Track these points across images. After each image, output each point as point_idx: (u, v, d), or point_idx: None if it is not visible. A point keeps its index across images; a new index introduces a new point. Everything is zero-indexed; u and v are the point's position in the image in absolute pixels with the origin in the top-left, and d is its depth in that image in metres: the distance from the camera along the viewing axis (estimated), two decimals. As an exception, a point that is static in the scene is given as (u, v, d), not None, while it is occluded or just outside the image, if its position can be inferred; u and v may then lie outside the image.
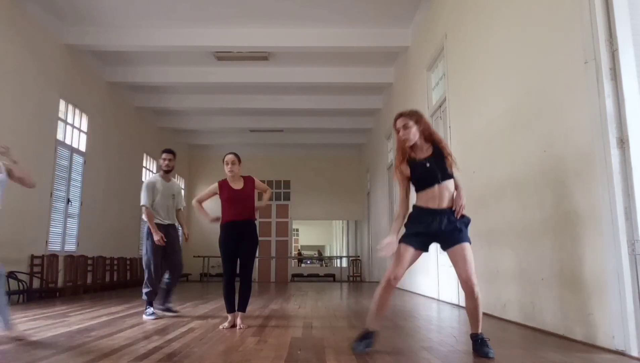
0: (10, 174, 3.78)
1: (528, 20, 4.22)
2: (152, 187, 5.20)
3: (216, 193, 4.44)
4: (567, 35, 3.57)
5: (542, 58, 3.96)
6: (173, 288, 5.32)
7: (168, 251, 5.19)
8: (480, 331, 3.05)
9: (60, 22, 8.20)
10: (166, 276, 5.26)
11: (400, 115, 3.17)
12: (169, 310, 5.20)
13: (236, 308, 4.31)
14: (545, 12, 3.91)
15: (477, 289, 2.99)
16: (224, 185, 4.41)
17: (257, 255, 4.58)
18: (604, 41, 3.19)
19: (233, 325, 4.23)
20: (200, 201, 4.50)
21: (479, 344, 3.00)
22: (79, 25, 8.34)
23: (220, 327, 4.20)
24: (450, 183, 3.07)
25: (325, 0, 7.59)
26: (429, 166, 3.06)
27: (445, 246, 3.09)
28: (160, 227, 5.15)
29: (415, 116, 3.14)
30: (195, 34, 8.41)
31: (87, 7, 7.78)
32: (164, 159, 5.34)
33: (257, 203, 4.57)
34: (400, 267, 3.02)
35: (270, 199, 4.80)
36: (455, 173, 3.14)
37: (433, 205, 3.04)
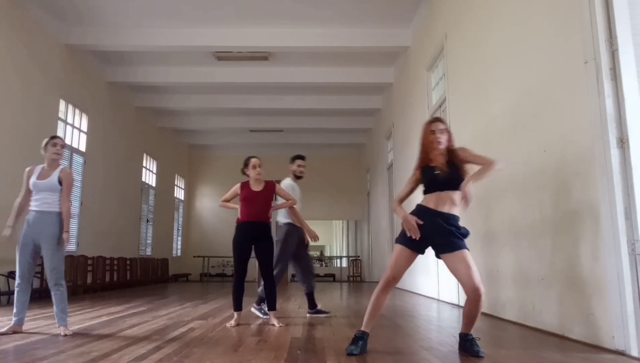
0: (60, 181, 4.01)
1: (528, 20, 4.22)
2: (292, 190, 5.24)
3: (238, 194, 4.58)
4: (567, 35, 3.57)
5: (542, 58, 3.97)
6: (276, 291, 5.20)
7: (302, 253, 5.23)
8: (471, 332, 3.05)
9: (60, 23, 8.20)
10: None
11: (439, 119, 3.24)
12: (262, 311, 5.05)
13: (267, 308, 4.48)
14: (545, 12, 3.92)
15: (481, 293, 2.93)
16: (245, 186, 4.57)
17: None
18: (604, 41, 3.19)
19: (239, 324, 4.33)
20: (226, 201, 4.70)
21: (469, 343, 3.00)
22: (79, 25, 8.34)
23: (227, 324, 4.29)
24: (455, 194, 3.04)
25: (325, 0, 7.59)
26: (437, 172, 3.09)
27: (441, 251, 3.05)
28: (297, 229, 5.22)
29: (446, 125, 3.25)
30: (195, 34, 8.41)
31: (87, 7, 7.78)
32: (299, 166, 5.38)
33: (274, 204, 4.69)
34: (399, 268, 3.04)
35: (292, 206, 4.92)
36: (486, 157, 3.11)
37: (432, 206, 3.07)
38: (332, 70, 9.99)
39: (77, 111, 9.15)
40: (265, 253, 4.47)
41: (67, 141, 8.72)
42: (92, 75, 9.62)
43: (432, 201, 3.08)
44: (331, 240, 25.98)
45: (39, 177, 4.00)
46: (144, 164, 12.90)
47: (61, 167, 4.10)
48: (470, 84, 5.67)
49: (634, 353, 2.89)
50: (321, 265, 21.42)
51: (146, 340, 3.48)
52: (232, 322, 4.32)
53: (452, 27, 6.35)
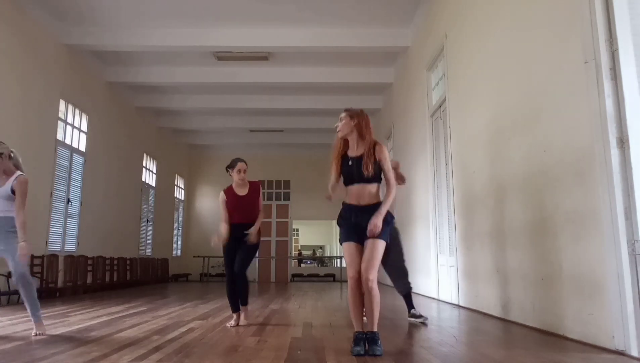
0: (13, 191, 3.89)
1: (528, 20, 4.22)
2: None
3: (226, 201, 4.51)
4: (567, 35, 3.57)
5: (542, 58, 3.97)
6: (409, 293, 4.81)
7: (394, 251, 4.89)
8: (373, 329, 3.02)
9: (60, 23, 8.19)
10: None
11: (346, 109, 3.41)
12: (414, 316, 4.65)
13: (240, 303, 4.43)
14: (545, 12, 3.91)
15: (372, 284, 3.01)
16: (229, 192, 4.51)
17: (256, 255, 4.55)
18: (604, 41, 3.19)
19: (239, 324, 4.34)
20: (226, 221, 4.45)
21: (369, 342, 2.99)
22: (79, 25, 8.33)
23: (227, 324, 4.31)
24: (371, 186, 3.19)
25: (325, 0, 7.59)
26: (350, 164, 3.23)
27: (365, 239, 3.16)
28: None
29: (351, 112, 3.36)
30: (195, 34, 8.41)
31: (87, 7, 7.77)
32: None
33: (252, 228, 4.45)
34: (353, 265, 3.11)
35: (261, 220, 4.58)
36: (391, 182, 3.22)
37: (354, 202, 3.21)
38: (332, 70, 9.98)
39: (77, 111, 9.14)
40: (245, 249, 4.41)
41: (67, 141, 8.73)
42: (92, 75, 9.62)
43: (354, 197, 3.22)
44: (331, 240, 25.96)
45: None
46: (144, 164, 12.89)
47: (17, 174, 3.94)
48: (470, 84, 5.67)
49: (634, 353, 2.89)
50: (318, 265, 21.42)
51: (146, 340, 3.48)
52: (232, 322, 4.33)
53: (452, 27, 6.35)
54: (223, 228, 4.41)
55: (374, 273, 3.04)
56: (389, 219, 3.16)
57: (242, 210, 4.45)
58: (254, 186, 4.55)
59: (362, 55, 9.37)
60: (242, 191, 4.49)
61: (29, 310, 3.83)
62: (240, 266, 4.40)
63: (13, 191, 3.85)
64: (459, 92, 6.08)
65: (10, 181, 3.87)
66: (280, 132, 14.05)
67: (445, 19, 6.63)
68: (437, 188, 7.21)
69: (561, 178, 3.65)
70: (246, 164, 4.52)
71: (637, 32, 3.19)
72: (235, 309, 4.40)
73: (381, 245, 3.10)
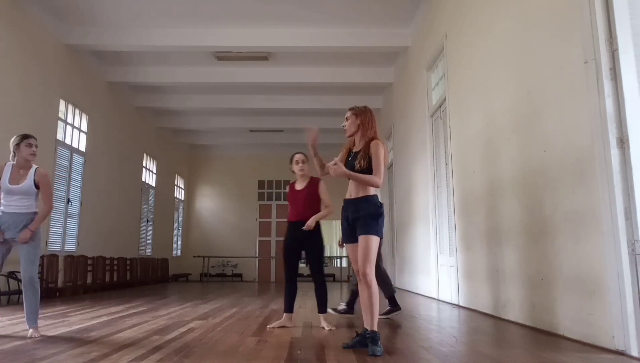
0: (37, 185, 3.86)
1: (528, 20, 4.22)
2: None
3: None
4: (567, 35, 3.57)
5: (542, 58, 3.97)
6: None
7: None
8: (374, 328, 3.05)
9: (60, 23, 8.20)
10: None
11: (350, 108, 3.48)
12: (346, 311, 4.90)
13: (317, 310, 4.30)
14: (545, 12, 3.92)
15: (369, 279, 3.09)
16: (291, 186, 4.49)
17: (324, 254, 4.42)
18: (604, 41, 3.19)
19: (283, 326, 4.20)
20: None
21: (367, 341, 3.02)
22: (79, 25, 8.34)
23: (269, 326, 4.19)
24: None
25: (325, 0, 7.59)
26: (350, 159, 3.35)
27: (357, 236, 3.21)
28: None
29: (356, 110, 3.44)
30: (195, 34, 8.41)
31: (87, 7, 7.78)
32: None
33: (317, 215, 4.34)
34: (354, 263, 3.26)
35: (327, 215, 4.43)
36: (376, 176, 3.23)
37: (347, 196, 3.34)
38: (332, 70, 9.98)
39: (77, 111, 9.14)
40: (312, 254, 4.27)
41: (67, 141, 8.73)
42: (92, 75, 9.62)
43: (348, 191, 3.33)
44: (331, 240, 25.98)
45: (11, 181, 3.77)
46: (144, 164, 12.89)
47: (35, 167, 3.86)
48: (470, 84, 5.67)
49: (634, 353, 2.89)
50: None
51: (146, 340, 3.48)
52: (275, 323, 4.20)
53: (452, 27, 6.35)
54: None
55: (370, 267, 3.10)
56: (375, 214, 3.19)
57: (296, 205, 4.33)
58: (313, 182, 4.40)
59: (362, 55, 9.37)
60: (300, 186, 4.41)
61: (25, 314, 3.74)
62: (313, 270, 4.28)
63: (36, 186, 3.82)
64: (459, 92, 6.08)
65: (31, 174, 3.83)
66: (280, 132, 14.05)
67: (445, 19, 6.63)
68: (437, 188, 7.21)
69: (561, 178, 3.65)
70: (304, 155, 4.43)
71: (637, 32, 3.19)
72: (287, 309, 4.25)
73: (371, 239, 3.15)
